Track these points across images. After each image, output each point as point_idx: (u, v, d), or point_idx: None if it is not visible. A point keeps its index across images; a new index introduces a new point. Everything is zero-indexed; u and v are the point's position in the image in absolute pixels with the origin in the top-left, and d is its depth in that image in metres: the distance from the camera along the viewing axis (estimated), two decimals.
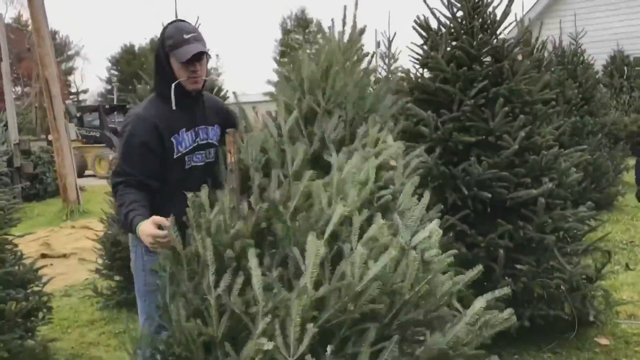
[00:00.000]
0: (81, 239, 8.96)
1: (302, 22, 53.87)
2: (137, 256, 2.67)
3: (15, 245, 3.86)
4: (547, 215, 3.74)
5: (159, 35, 2.62)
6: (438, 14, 4.19)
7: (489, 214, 3.83)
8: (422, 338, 2.11)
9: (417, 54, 4.36)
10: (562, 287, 3.64)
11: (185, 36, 2.48)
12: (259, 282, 2.08)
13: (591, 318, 3.86)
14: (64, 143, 10.84)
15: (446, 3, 4.16)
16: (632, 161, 8.35)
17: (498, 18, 4.05)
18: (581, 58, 8.08)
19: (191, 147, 2.58)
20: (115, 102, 24.47)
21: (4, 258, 3.67)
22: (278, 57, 53.89)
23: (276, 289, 2.07)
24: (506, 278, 3.66)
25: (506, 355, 3.79)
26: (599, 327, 4.03)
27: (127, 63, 50.23)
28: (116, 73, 51.16)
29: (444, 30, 4.21)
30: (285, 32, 54.31)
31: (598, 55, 11.47)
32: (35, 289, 3.93)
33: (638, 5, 15.19)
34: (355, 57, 2.56)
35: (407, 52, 4.47)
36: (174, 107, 2.52)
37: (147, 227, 2.28)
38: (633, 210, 7.77)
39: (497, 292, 2.23)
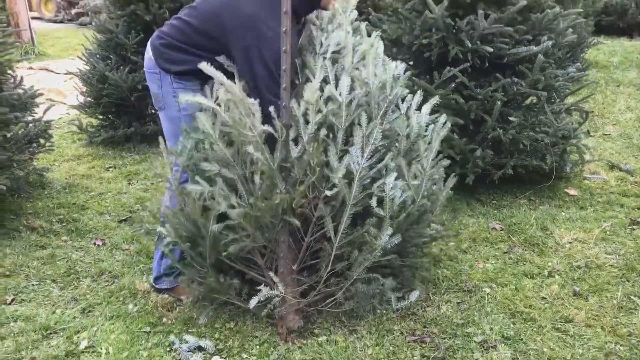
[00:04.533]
0: (43, 80, 8.66)
1: None
2: (166, 84, 2.68)
3: (14, 70, 3.76)
4: (540, 73, 3.94)
5: None
6: None
7: (487, 68, 4.00)
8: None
9: None
10: (546, 140, 3.93)
11: None
12: None
13: (568, 170, 4.23)
14: None
15: None
16: (598, 39, 8.57)
17: None
18: None
19: None
20: None
21: (6, 81, 3.59)
22: None
23: None
24: (497, 129, 3.91)
25: (485, 200, 4.15)
26: (568, 180, 4.43)
27: None
28: None
29: None
30: None
31: None
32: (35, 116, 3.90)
33: None
34: None
35: None
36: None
37: None
38: (592, 86, 8.15)
39: (434, 100, 2.74)
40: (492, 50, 3.84)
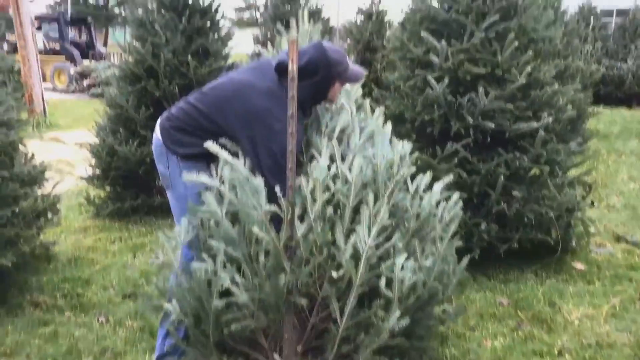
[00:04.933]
0: (52, 151, 8.83)
1: None
2: (173, 164, 2.76)
3: (25, 146, 3.84)
4: (542, 148, 4.00)
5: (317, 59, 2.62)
6: None
7: (489, 143, 4.06)
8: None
9: None
10: (551, 214, 3.95)
11: (348, 60, 2.72)
12: None
13: (573, 244, 4.22)
14: (30, 51, 10.43)
15: None
16: (597, 108, 8.75)
17: None
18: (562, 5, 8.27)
19: None
20: (69, 15, 23.32)
21: (17, 158, 3.67)
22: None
23: None
24: (502, 203, 3.94)
25: (492, 274, 4.12)
26: (574, 254, 4.40)
27: None
28: None
29: None
30: None
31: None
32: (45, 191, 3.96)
33: None
34: None
35: None
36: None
37: None
38: (594, 155, 8.23)
39: (446, 179, 2.72)
40: (493, 126, 3.93)
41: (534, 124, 3.93)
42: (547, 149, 4.02)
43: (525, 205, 3.97)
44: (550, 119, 3.97)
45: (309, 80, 2.56)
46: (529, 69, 3.95)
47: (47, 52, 17.33)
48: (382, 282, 2.37)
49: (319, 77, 2.60)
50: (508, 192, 4.02)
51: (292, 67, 2.34)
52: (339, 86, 2.70)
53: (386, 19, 10.19)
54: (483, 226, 3.94)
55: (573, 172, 4.55)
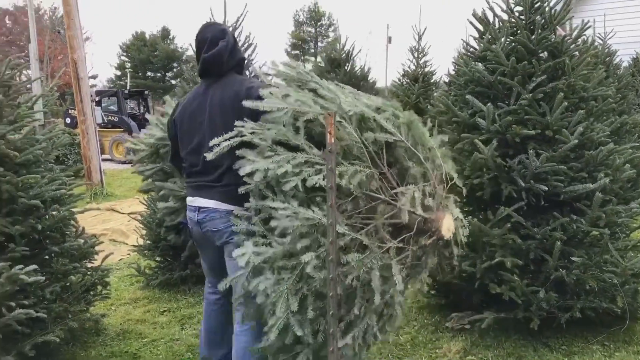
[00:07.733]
0: (108, 220, 9.06)
1: (314, 15, 53.92)
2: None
3: (77, 221, 3.93)
4: (600, 210, 3.79)
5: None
6: (496, 9, 4.25)
7: (543, 206, 3.89)
8: None
9: (472, 47, 4.42)
10: (615, 280, 3.70)
11: None
12: None
13: None
14: (89, 125, 10.92)
15: None
16: None
17: (557, 14, 4.09)
18: (615, 59, 8.11)
19: None
20: (128, 88, 24.57)
21: (69, 232, 3.74)
22: (289, 49, 54.02)
23: None
24: (560, 270, 3.72)
25: (554, 345, 3.86)
26: None
27: (138, 50, 50.43)
28: (126, 59, 51.43)
29: (499, 24, 4.28)
30: (298, 24, 54.38)
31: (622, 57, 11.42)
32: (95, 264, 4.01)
33: None
34: None
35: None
36: None
37: None
38: None
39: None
40: (546, 188, 3.77)
41: (590, 185, 3.74)
42: (606, 210, 3.81)
43: (585, 271, 3.74)
44: (607, 180, 3.77)
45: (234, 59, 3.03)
46: (580, 128, 3.81)
47: (106, 125, 18.16)
48: None
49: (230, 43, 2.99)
50: (566, 257, 3.81)
51: (330, 140, 2.31)
52: None
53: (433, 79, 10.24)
54: (541, 294, 3.73)
55: (636, 234, 4.28)
